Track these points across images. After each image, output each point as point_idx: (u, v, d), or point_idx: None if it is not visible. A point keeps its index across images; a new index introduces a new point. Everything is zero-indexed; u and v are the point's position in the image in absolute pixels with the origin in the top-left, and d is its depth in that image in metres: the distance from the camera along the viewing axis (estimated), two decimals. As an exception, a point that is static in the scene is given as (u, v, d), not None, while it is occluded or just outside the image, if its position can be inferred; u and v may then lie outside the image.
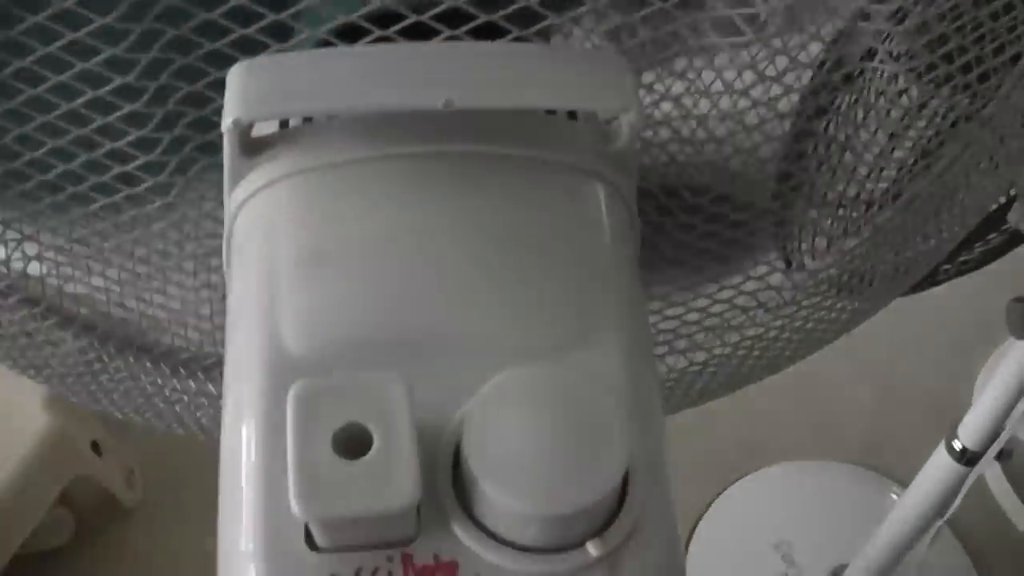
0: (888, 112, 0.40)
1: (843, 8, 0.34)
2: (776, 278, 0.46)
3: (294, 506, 0.24)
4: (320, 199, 0.31)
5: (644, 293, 0.35)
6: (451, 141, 0.31)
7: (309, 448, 0.24)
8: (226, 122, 0.29)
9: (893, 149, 0.42)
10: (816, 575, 1.19)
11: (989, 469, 1.13)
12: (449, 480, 0.26)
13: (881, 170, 0.43)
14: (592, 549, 0.25)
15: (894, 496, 1.25)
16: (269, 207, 0.31)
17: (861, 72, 0.38)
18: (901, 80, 0.37)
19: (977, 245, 0.71)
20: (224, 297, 0.33)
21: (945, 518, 0.94)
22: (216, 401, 0.48)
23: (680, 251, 0.41)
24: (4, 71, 0.32)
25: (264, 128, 0.32)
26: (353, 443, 0.24)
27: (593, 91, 0.31)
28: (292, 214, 0.31)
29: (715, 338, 0.48)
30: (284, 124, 0.33)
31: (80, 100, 0.33)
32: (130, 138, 0.34)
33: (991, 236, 0.70)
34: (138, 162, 0.35)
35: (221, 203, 0.32)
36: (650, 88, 0.36)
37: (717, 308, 0.46)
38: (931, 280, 0.67)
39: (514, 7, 0.31)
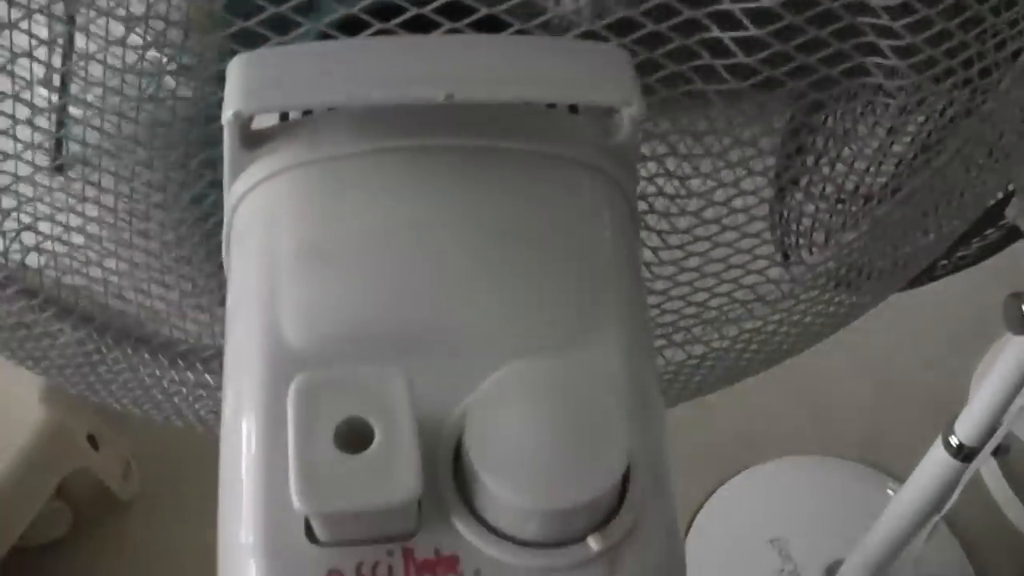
0: (887, 106, 0.40)
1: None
2: (774, 272, 0.46)
3: (295, 500, 0.24)
4: (320, 192, 0.31)
5: (644, 287, 0.34)
6: (452, 135, 0.31)
7: (310, 442, 0.24)
8: (226, 115, 0.29)
9: (892, 143, 0.42)
10: (812, 570, 1.19)
11: (986, 465, 1.13)
12: (450, 474, 0.26)
13: (880, 164, 0.43)
14: (593, 544, 0.25)
15: (891, 491, 1.25)
16: (269, 200, 0.31)
17: (861, 66, 0.38)
18: (901, 75, 0.37)
19: (975, 240, 0.71)
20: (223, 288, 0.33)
21: (942, 513, 0.95)
22: (214, 393, 0.48)
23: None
24: None
25: (264, 121, 0.32)
26: (354, 437, 0.24)
27: (594, 84, 0.31)
28: (292, 207, 0.30)
29: (713, 331, 0.48)
30: (284, 117, 0.33)
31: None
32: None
33: (989, 231, 0.70)
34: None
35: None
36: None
37: (715, 301, 0.46)
38: (929, 275, 0.67)
39: (513, 1, 0.31)
